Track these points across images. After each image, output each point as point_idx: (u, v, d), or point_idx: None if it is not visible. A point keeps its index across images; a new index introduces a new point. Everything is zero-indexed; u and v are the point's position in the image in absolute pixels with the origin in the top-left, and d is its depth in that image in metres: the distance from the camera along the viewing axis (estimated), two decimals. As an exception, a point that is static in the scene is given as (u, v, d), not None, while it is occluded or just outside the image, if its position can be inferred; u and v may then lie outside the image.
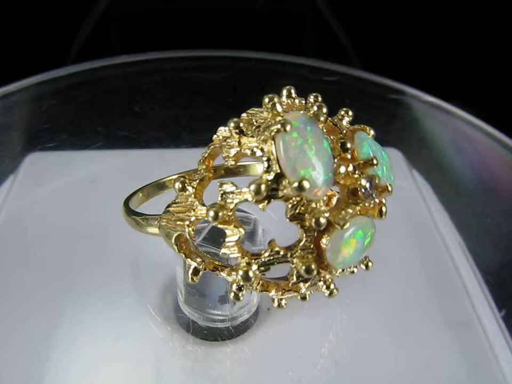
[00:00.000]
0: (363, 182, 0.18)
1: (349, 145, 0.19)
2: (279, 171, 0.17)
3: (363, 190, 0.19)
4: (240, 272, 0.18)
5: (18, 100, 0.38)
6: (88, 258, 0.27)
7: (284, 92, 0.20)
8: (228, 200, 0.18)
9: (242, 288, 0.19)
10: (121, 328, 0.24)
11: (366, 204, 0.19)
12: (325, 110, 0.19)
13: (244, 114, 0.19)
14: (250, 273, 0.18)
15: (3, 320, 0.24)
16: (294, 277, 0.19)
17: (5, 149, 0.36)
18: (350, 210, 0.18)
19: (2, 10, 0.48)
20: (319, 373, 0.23)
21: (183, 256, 0.19)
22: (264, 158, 0.18)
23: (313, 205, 0.18)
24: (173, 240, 0.19)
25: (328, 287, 0.19)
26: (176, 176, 0.21)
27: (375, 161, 0.19)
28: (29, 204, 0.30)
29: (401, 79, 0.41)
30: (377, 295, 0.26)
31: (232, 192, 0.18)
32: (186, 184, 0.19)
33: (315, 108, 0.19)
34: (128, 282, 0.26)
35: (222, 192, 0.18)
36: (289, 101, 0.20)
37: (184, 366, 0.23)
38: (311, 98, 0.20)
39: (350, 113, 0.21)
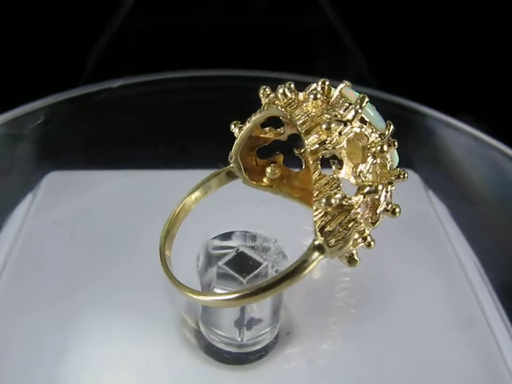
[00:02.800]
0: None
1: None
2: (377, 131, 0.21)
3: None
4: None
5: (38, 118, 0.38)
6: (108, 276, 0.27)
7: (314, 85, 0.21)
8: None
9: None
10: (136, 342, 0.24)
11: None
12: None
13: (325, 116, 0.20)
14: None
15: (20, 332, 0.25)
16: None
17: (24, 167, 0.36)
18: None
19: (12, 29, 0.49)
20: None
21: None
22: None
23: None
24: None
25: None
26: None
27: None
28: (49, 224, 0.30)
29: (416, 94, 0.41)
30: (395, 319, 0.26)
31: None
32: (331, 199, 0.19)
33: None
34: (150, 302, 0.26)
35: (360, 173, 0.20)
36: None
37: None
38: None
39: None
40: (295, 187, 0.25)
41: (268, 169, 0.25)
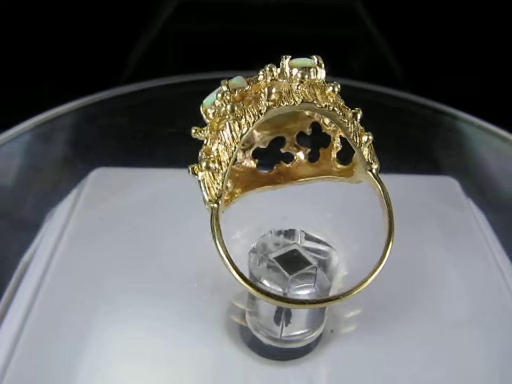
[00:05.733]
0: None
1: None
2: None
3: None
4: None
5: (82, 116, 0.39)
6: (154, 270, 0.28)
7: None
8: None
9: None
10: (179, 335, 0.25)
11: None
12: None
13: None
14: None
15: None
16: None
17: (65, 164, 0.37)
18: None
19: (53, 32, 0.50)
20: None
21: None
22: None
23: None
24: None
25: None
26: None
27: None
28: (95, 219, 0.31)
29: (450, 100, 0.42)
30: (439, 322, 0.26)
31: None
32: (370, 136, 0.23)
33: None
34: (195, 295, 0.27)
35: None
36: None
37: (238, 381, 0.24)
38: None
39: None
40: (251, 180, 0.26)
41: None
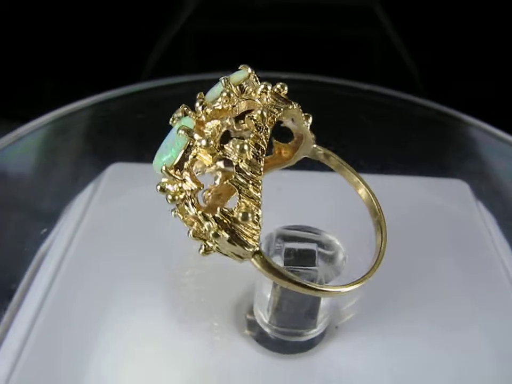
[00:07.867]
0: None
1: None
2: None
3: None
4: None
5: (101, 112, 0.40)
6: (169, 265, 0.28)
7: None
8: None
9: None
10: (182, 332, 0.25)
11: None
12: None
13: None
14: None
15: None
16: None
17: (87, 158, 0.38)
18: None
19: (76, 26, 0.50)
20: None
21: None
22: None
23: None
24: None
25: None
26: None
27: None
28: (112, 212, 0.32)
29: (466, 106, 0.42)
30: (442, 323, 0.26)
31: None
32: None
33: None
34: (204, 286, 0.27)
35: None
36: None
37: (245, 374, 0.24)
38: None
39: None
40: None
41: None
